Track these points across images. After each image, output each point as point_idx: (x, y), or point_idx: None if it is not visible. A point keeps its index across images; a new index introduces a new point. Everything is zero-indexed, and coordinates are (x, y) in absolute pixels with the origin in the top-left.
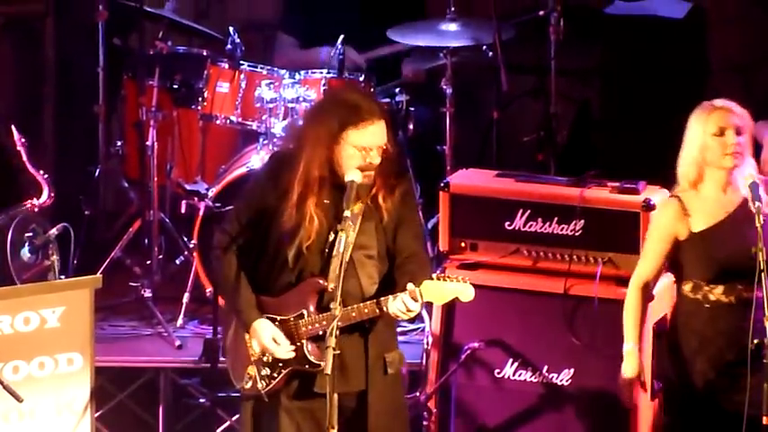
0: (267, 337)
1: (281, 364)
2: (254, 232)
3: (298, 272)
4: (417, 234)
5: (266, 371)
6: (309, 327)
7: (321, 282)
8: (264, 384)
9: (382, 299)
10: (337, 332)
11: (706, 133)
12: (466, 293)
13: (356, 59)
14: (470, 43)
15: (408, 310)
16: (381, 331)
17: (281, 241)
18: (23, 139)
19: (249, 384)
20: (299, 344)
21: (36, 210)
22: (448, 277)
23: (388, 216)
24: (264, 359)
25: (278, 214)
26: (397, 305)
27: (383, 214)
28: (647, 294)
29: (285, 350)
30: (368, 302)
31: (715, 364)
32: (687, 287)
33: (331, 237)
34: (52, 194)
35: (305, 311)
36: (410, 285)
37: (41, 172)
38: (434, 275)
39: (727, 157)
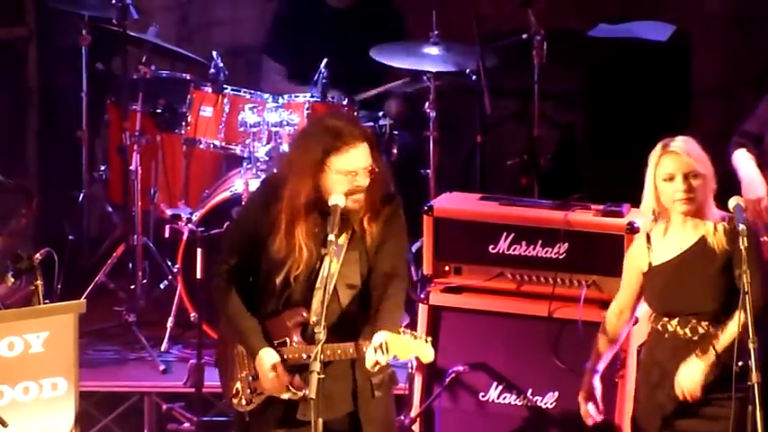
0: (267, 369)
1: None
2: (247, 258)
3: (284, 299)
4: (398, 254)
5: (249, 390)
6: (291, 356)
7: (304, 314)
8: (245, 402)
9: (360, 341)
10: (322, 356)
11: (658, 177)
12: (426, 354)
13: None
14: (453, 69)
15: (376, 364)
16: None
17: (271, 269)
18: None
19: (237, 399)
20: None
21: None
22: (413, 334)
23: (371, 239)
24: (250, 379)
25: (269, 242)
26: (369, 361)
27: (367, 238)
28: (621, 320)
29: (278, 385)
30: (343, 344)
31: (674, 397)
32: (652, 317)
33: (318, 265)
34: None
35: (287, 340)
36: (378, 338)
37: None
38: (401, 330)
39: (676, 204)
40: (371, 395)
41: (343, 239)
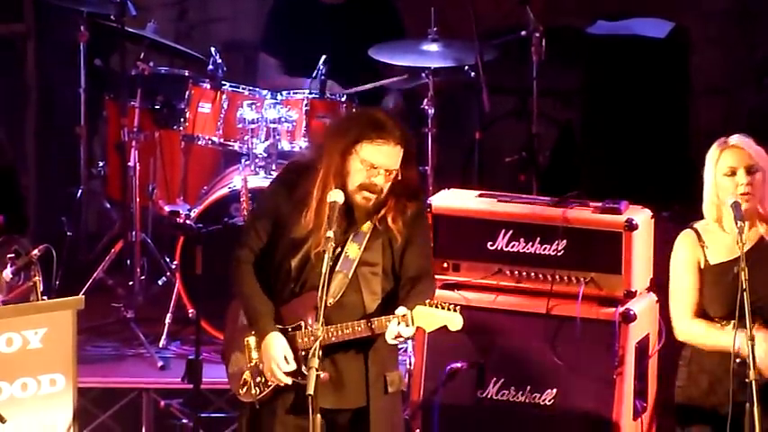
0: (277, 354)
1: None
2: (267, 240)
3: (301, 282)
4: (424, 254)
5: (261, 378)
6: (306, 339)
7: None
8: (258, 391)
9: (374, 319)
10: (320, 353)
11: (718, 172)
12: (454, 322)
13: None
14: (453, 64)
15: (399, 336)
16: (382, 350)
17: (287, 251)
18: None
19: (244, 390)
20: (294, 355)
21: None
22: (440, 304)
23: (399, 236)
24: (260, 367)
25: (290, 223)
26: (390, 332)
27: (394, 235)
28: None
29: (284, 372)
30: (361, 321)
31: (725, 404)
32: None
33: (337, 251)
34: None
35: (302, 323)
36: (401, 309)
37: None
38: (427, 301)
39: (738, 198)
40: (384, 391)
41: (367, 227)
